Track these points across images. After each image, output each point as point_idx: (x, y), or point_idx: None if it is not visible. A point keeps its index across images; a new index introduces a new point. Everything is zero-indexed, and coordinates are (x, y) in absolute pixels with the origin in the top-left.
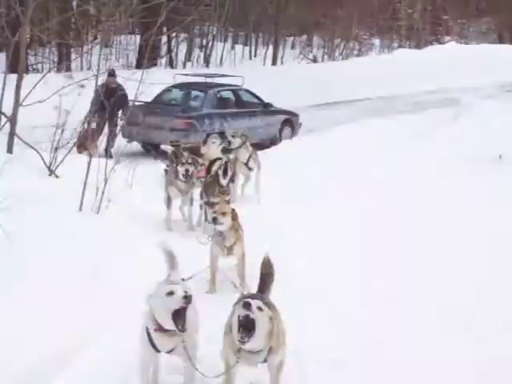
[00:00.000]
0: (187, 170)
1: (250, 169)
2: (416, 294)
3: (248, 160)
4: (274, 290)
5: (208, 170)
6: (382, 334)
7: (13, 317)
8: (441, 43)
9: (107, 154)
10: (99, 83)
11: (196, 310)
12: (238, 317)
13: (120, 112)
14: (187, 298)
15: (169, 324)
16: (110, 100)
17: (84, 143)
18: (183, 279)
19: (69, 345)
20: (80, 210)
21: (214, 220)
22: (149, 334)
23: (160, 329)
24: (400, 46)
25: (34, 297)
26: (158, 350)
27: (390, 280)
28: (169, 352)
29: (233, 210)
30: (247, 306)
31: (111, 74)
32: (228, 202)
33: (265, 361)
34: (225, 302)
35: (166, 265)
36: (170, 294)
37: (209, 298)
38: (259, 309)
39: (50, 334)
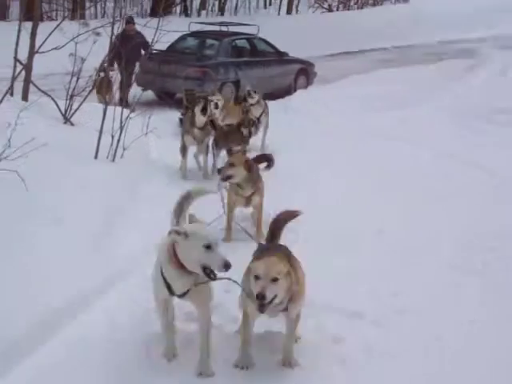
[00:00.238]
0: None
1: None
2: (431, 245)
3: (260, 115)
4: (289, 239)
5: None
6: (399, 285)
7: (25, 263)
8: None
9: (123, 103)
10: (117, 31)
11: None
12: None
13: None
14: (227, 267)
15: (197, 270)
16: (126, 48)
17: (102, 90)
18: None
19: (82, 293)
20: (95, 157)
21: (219, 171)
22: (163, 277)
23: (179, 266)
24: None
25: (48, 244)
26: (172, 293)
27: (406, 231)
28: (183, 296)
29: (247, 160)
30: (261, 297)
31: (129, 21)
32: (245, 152)
33: (285, 309)
34: (241, 250)
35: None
36: (208, 248)
37: (224, 246)
38: (274, 280)
39: (62, 281)
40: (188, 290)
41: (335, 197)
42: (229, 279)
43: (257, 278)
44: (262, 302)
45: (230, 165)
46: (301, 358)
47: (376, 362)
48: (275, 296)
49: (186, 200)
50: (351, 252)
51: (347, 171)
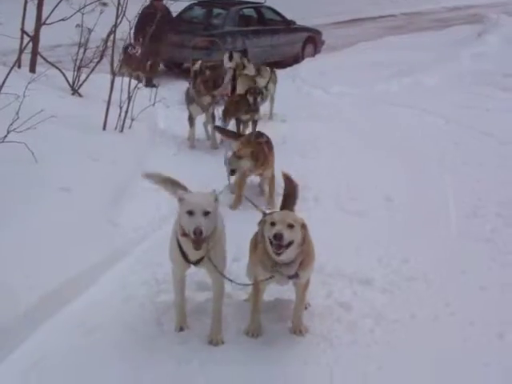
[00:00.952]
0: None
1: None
2: (440, 213)
3: (267, 84)
4: (298, 206)
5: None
6: (408, 252)
7: (33, 237)
8: None
9: (149, 83)
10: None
11: (223, 221)
12: (270, 238)
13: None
14: (196, 233)
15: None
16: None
17: (132, 65)
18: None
19: (91, 263)
20: (104, 128)
21: (232, 171)
22: (179, 244)
23: (185, 234)
24: None
25: (56, 212)
26: (187, 260)
27: (415, 198)
28: (197, 263)
29: (252, 151)
30: (279, 237)
31: None
32: (256, 121)
33: (295, 275)
34: (249, 218)
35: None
36: (190, 213)
37: (232, 214)
38: (290, 226)
39: (70, 251)
40: (202, 258)
41: (343, 164)
42: (229, 279)
43: (273, 224)
44: (279, 243)
45: (238, 157)
46: (311, 325)
47: (385, 328)
48: (292, 242)
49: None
50: (360, 219)
51: (355, 139)
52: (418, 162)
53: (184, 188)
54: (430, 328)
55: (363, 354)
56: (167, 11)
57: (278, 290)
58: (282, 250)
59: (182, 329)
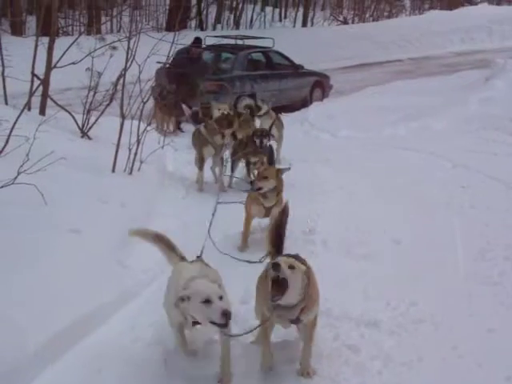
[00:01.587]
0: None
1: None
2: (448, 255)
3: (270, 127)
4: (305, 248)
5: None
6: (416, 295)
7: (43, 278)
8: (472, 4)
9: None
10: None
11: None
12: (270, 277)
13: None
14: (227, 316)
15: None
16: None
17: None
18: (199, 256)
19: (99, 305)
20: (113, 171)
21: (252, 184)
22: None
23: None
24: (431, 8)
25: (65, 256)
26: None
27: (422, 241)
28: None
29: (278, 174)
30: (276, 267)
31: (196, 42)
32: (263, 163)
33: (297, 320)
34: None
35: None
36: (207, 302)
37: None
38: (291, 267)
39: (79, 294)
40: None
41: (351, 207)
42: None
43: (275, 265)
44: (277, 269)
45: (263, 178)
46: (319, 367)
47: (393, 371)
48: (287, 282)
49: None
50: (368, 262)
51: (363, 182)
52: (425, 205)
53: (172, 248)
54: (437, 370)
55: None
56: (199, 56)
57: (286, 332)
58: (277, 297)
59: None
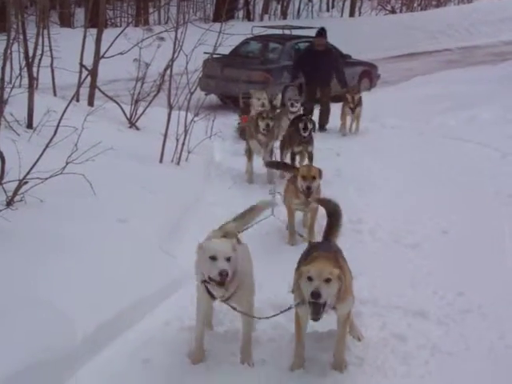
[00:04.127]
0: (267, 125)
1: None
2: (496, 246)
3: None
4: (354, 238)
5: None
6: (464, 285)
7: (91, 267)
8: None
9: (322, 128)
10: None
11: (250, 257)
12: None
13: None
14: (222, 276)
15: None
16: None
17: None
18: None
19: (146, 295)
20: (160, 161)
21: (308, 189)
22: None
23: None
24: None
25: (113, 245)
26: (214, 298)
27: (471, 231)
28: (225, 300)
29: (320, 172)
30: (317, 296)
31: (320, 32)
32: (311, 154)
33: (333, 307)
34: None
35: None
36: (213, 258)
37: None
38: (327, 281)
39: (126, 284)
40: (231, 295)
41: (399, 197)
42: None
43: (310, 279)
44: (316, 301)
45: (313, 178)
46: (365, 356)
47: (440, 360)
48: (328, 298)
49: (249, 212)
50: (415, 251)
51: (411, 172)
52: (473, 195)
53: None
54: (484, 360)
55: None
56: (332, 52)
57: (329, 322)
58: (320, 311)
59: (194, 363)
